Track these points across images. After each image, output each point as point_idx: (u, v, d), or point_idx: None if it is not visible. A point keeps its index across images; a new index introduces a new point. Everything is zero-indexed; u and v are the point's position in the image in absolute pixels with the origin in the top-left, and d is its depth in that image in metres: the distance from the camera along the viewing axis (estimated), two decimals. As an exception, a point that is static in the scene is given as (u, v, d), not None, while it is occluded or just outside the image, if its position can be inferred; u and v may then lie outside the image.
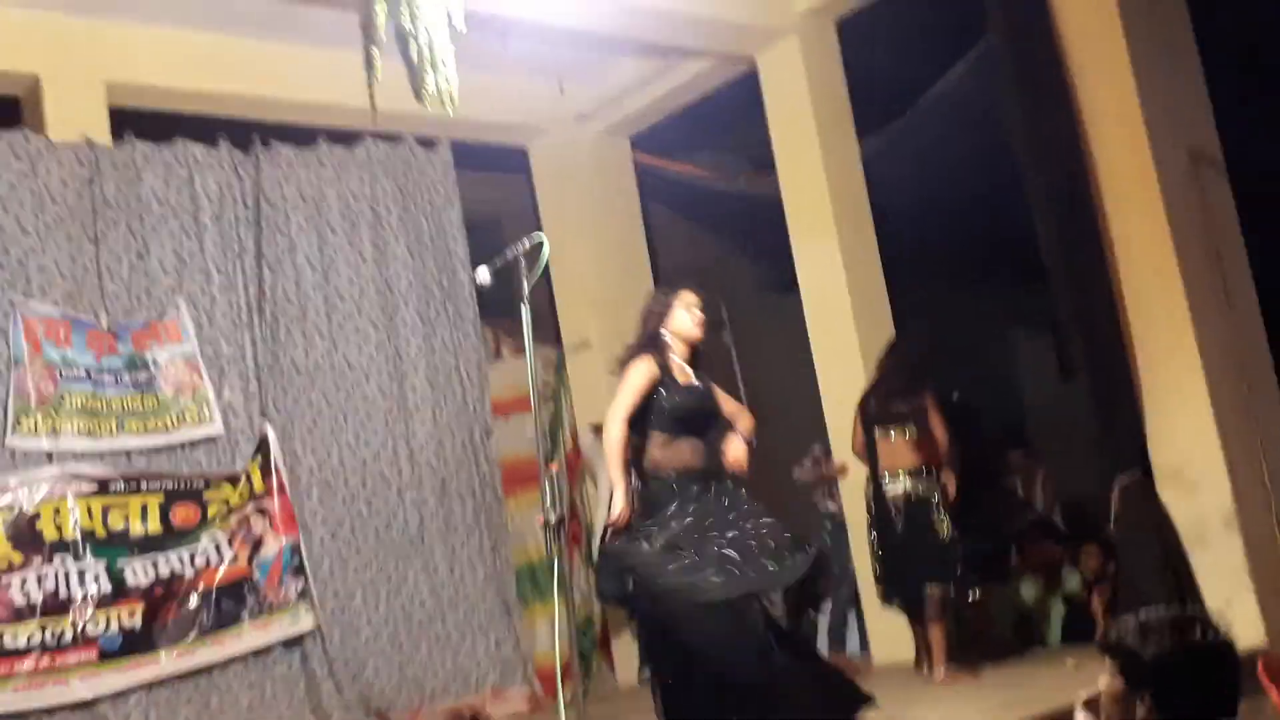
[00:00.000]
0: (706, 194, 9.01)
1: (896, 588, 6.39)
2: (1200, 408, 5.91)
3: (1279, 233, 6.72)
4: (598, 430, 7.92)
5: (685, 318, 4.63)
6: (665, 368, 4.54)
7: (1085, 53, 6.25)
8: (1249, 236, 6.39)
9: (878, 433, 6.37)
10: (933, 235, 8.53)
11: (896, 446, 6.29)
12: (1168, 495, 5.95)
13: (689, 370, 4.64)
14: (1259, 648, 5.21)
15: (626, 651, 7.89)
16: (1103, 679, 2.83)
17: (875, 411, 6.40)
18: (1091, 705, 2.89)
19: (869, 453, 6.44)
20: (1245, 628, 5.10)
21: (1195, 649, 2.73)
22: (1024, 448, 9.38)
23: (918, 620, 6.27)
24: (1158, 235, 6.05)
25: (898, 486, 6.25)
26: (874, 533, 6.43)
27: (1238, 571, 5.70)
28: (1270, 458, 6.04)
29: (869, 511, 6.45)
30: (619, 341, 8.07)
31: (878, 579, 6.49)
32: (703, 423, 4.58)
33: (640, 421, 4.53)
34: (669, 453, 4.50)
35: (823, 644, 7.95)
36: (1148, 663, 2.72)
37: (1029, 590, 7.46)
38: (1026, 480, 9.18)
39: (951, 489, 6.24)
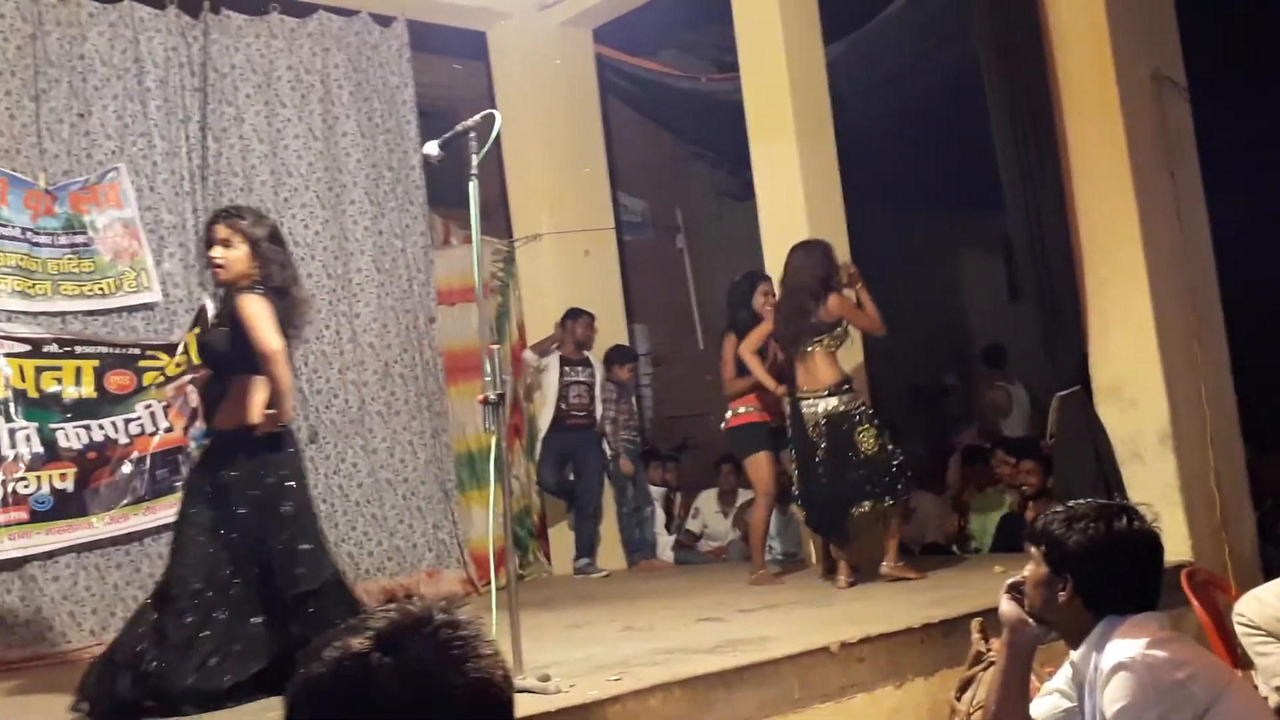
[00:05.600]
0: (668, 93, 8.86)
1: (817, 514, 6.07)
2: (1144, 327, 5.92)
3: (1235, 157, 6.71)
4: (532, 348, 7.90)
5: None
6: None
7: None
8: (1205, 160, 6.37)
9: (795, 353, 6.00)
10: (890, 150, 8.44)
11: (814, 364, 5.93)
12: (1106, 411, 6.00)
13: None
14: (1185, 561, 5.29)
15: (562, 541, 7.93)
16: (1028, 565, 2.85)
17: (786, 335, 6.04)
18: (1016, 590, 2.90)
19: (789, 375, 6.08)
20: (1173, 542, 5.14)
21: (1120, 536, 2.75)
22: (998, 366, 9.31)
23: (839, 544, 5.97)
24: (1115, 155, 6.01)
25: (817, 406, 5.89)
26: (794, 455, 6.10)
27: (1169, 488, 5.76)
28: (1209, 379, 6.09)
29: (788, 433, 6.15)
30: (570, 236, 8.16)
31: (799, 503, 6.25)
32: None
33: None
34: None
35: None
36: (1071, 548, 2.74)
37: (967, 499, 7.54)
38: (981, 393, 9.23)
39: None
